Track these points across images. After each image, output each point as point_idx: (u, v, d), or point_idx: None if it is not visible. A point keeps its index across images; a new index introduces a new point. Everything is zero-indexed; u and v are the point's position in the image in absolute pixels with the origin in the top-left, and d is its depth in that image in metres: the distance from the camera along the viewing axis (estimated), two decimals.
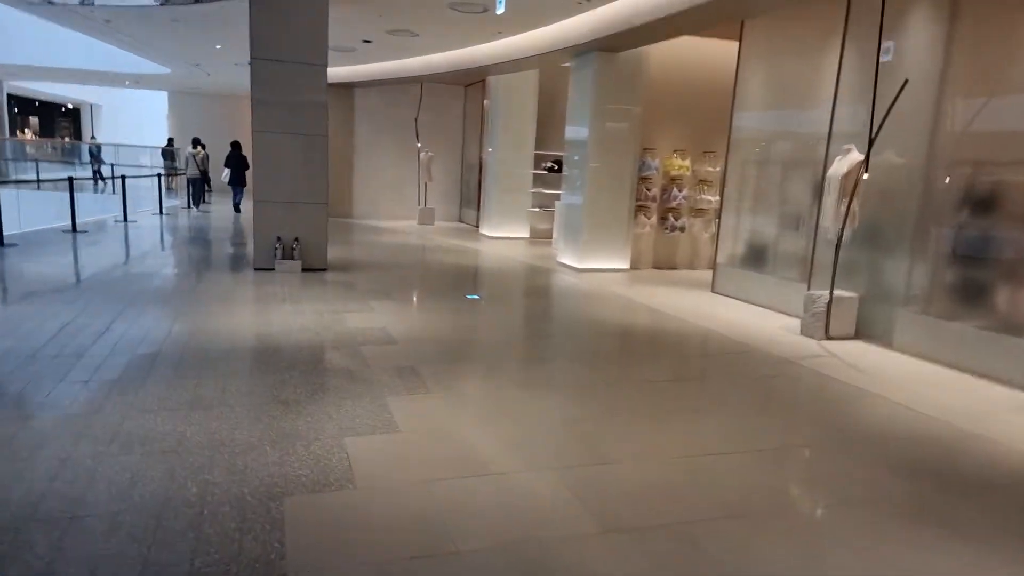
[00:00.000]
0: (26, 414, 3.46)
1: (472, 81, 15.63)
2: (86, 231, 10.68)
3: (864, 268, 6.20)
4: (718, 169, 10.27)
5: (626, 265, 9.92)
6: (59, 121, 43.57)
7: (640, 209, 9.98)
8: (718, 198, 10.25)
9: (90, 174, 20.41)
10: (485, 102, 14.99)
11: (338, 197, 15.88)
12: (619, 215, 9.76)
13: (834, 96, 6.60)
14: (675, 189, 10.07)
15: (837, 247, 5.95)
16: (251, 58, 7.89)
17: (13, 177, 19.89)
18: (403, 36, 10.63)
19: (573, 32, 9.19)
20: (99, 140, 28.73)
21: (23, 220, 10.86)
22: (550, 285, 8.81)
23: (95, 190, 19.24)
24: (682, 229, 10.22)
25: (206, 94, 22.86)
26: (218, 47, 12.82)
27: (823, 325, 5.99)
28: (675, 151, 10.11)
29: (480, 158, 15.43)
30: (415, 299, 7.31)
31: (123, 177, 12.58)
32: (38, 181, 17.51)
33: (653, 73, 9.72)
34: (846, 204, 5.82)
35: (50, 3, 9.34)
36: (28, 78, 22.86)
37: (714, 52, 9.93)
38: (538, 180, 13.60)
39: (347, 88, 15.75)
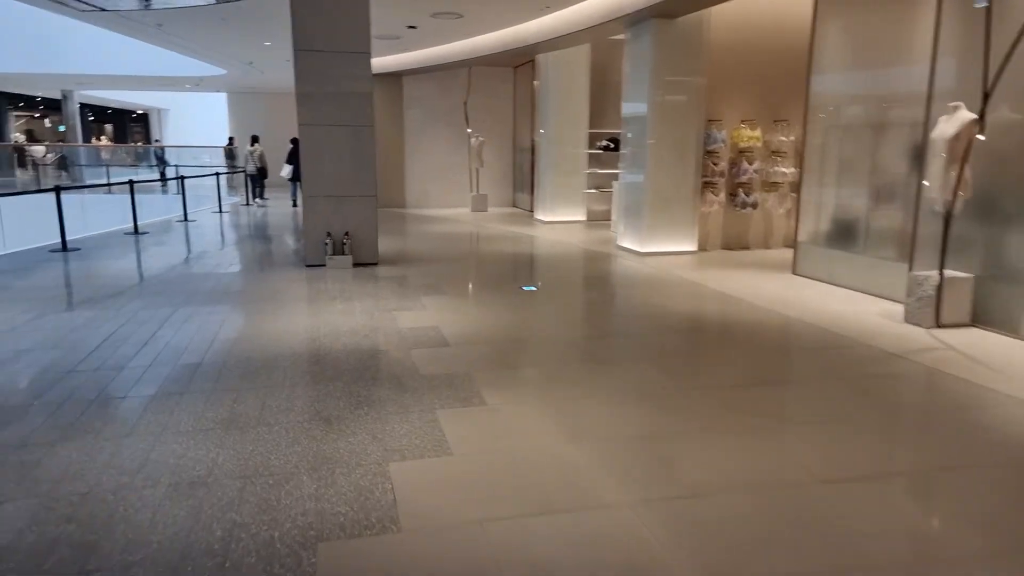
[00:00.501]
0: (55, 438, 3.23)
1: (521, 62, 15.06)
2: (148, 232, 10.79)
3: (980, 243, 5.38)
4: (792, 139, 9.43)
5: (693, 247, 9.24)
6: (131, 126, 45.47)
7: (707, 186, 9.26)
8: (794, 170, 9.44)
9: (158, 176, 21.04)
10: (535, 83, 14.43)
11: (389, 187, 15.70)
12: (684, 193, 9.08)
13: (933, 48, 5.76)
14: (745, 162, 9.29)
15: (947, 220, 5.18)
16: (294, 50, 7.62)
17: (88, 182, 20.68)
18: (448, 18, 10.19)
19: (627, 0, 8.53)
20: (164, 142, 29.70)
21: (89, 224, 11.08)
22: (611, 272, 8.26)
23: (163, 191, 19.80)
24: (754, 206, 9.44)
25: (263, 93, 23.10)
26: (267, 44, 12.72)
27: (932, 311, 5.24)
28: (743, 121, 9.32)
29: (532, 141, 14.90)
30: (469, 293, 6.91)
31: (182, 178, 12.70)
32: (108, 184, 18.07)
33: (716, 38, 8.94)
34: (956, 170, 5.04)
35: (102, 10, 9.35)
36: (97, 87, 23.70)
37: (784, 10, 9.06)
38: (593, 160, 12.98)
39: (395, 77, 15.48)
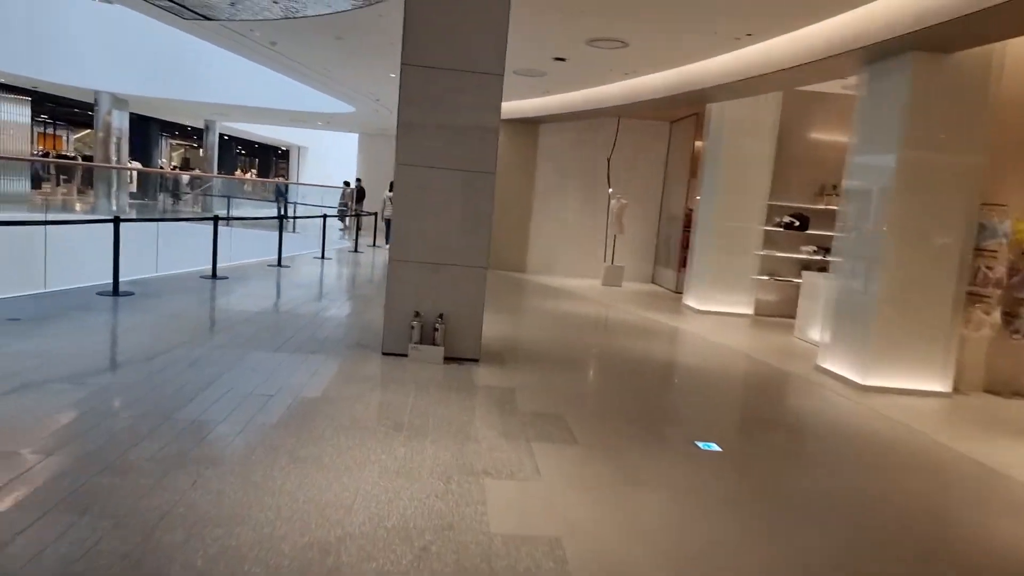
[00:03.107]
0: None
1: (681, 115, 12.69)
2: (226, 277, 9.25)
3: None
4: None
5: (943, 386, 6.15)
6: (276, 162, 47.89)
7: (973, 298, 6.22)
8: None
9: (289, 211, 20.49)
10: (697, 142, 12.00)
11: (510, 248, 13.65)
12: (936, 306, 6.10)
13: None
14: None
15: None
16: (402, 64, 5.68)
17: (208, 213, 20.47)
18: (608, 47, 8.02)
19: (874, 23, 5.91)
20: (301, 180, 30.00)
21: (174, 261, 9.75)
22: (825, 418, 5.42)
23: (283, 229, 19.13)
24: None
25: (393, 136, 22.35)
26: (392, 75, 11.23)
27: None
28: None
29: (687, 209, 12.34)
30: (609, 442, 4.36)
31: (281, 218, 11.29)
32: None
33: (1009, 87, 6.08)
34: None
35: (205, 18, 8.10)
36: (234, 118, 24.07)
37: None
38: (769, 240, 10.17)
39: (532, 124, 13.59)
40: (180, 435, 3.64)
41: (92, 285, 7.51)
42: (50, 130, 27.87)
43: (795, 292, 10.14)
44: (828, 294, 7.04)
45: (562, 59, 8.81)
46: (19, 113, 17.56)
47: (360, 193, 20.22)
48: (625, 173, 13.41)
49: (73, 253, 7.81)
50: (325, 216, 13.03)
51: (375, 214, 17.25)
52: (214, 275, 9.20)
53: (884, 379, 6.12)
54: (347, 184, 19.78)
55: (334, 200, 20.92)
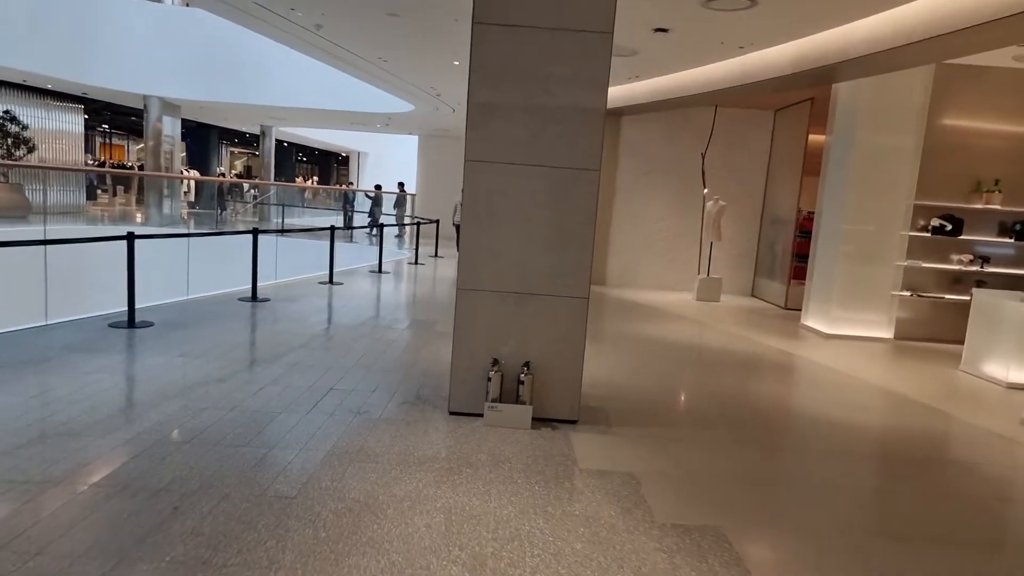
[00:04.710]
0: None
1: (790, 102, 10.83)
2: (268, 299, 8.03)
3: None
4: None
5: None
6: (337, 168, 47.72)
7: None
8: None
9: (360, 222, 19.44)
10: (812, 134, 10.15)
11: None
12: None
13: None
14: None
15: None
16: (474, 23, 4.20)
17: (274, 221, 19.63)
18: (728, 8, 6.34)
19: None
20: (359, 186, 29.20)
21: (205, 282, 8.56)
22: None
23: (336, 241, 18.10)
24: None
25: (455, 137, 21.07)
26: (456, 63, 9.86)
27: None
28: None
29: (797, 210, 10.48)
30: None
31: (332, 230, 10.05)
32: (277, 231, 16.50)
33: None
34: None
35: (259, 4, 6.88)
36: (291, 122, 23.32)
37: None
38: (915, 247, 8.26)
39: (613, 116, 11.94)
40: None
41: (105, 314, 6.37)
42: (110, 140, 27.94)
43: (946, 311, 8.23)
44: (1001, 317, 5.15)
45: (664, 30, 7.16)
46: (71, 122, 17.13)
47: (402, 198, 19.23)
48: (721, 170, 11.62)
49: (87, 275, 6.71)
50: (383, 226, 11.75)
51: (436, 221, 15.94)
52: (254, 297, 7.99)
53: None
54: (379, 188, 18.52)
55: (388, 207, 19.76)
